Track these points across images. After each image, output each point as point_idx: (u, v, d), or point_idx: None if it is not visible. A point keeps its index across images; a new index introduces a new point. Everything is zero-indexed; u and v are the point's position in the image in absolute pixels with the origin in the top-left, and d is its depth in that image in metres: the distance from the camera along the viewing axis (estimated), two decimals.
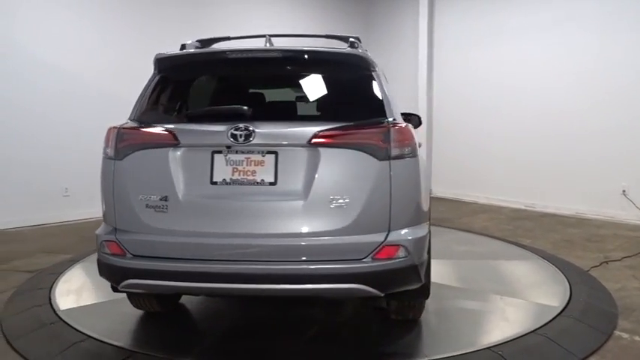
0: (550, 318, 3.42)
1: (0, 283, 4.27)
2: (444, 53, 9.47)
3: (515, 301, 3.83)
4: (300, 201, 2.59)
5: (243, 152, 2.67)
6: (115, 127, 2.86)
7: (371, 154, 2.60)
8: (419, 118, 5.25)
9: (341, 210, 2.57)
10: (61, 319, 3.45)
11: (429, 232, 2.93)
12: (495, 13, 8.60)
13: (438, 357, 2.89)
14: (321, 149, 2.61)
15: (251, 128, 2.64)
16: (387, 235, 2.59)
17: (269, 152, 2.66)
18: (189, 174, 2.70)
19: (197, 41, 3.42)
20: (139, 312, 3.63)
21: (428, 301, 3.69)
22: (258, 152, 2.66)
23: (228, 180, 2.67)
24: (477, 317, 3.58)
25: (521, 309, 3.68)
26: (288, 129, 2.71)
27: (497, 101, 8.58)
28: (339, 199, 2.57)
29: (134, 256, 2.70)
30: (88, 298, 3.88)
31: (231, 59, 2.93)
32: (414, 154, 2.72)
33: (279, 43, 3.30)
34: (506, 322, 3.48)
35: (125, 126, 2.88)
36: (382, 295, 2.63)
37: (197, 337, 3.28)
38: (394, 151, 2.63)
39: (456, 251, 5.47)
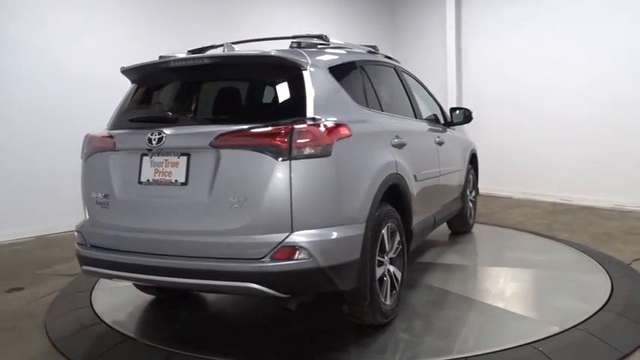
0: (591, 313, 3.33)
1: (43, 287, 4.41)
2: (473, 45, 9.32)
3: (554, 296, 3.75)
4: (204, 201, 2.72)
5: (163, 154, 2.88)
6: (87, 134, 3.29)
7: (270, 155, 2.61)
8: (469, 112, 5.13)
9: (240, 210, 2.62)
10: (102, 320, 3.54)
11: (365, 234, 2.86)
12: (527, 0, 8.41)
13: (476, 354, 2.85)
14: (222, 151, 2.70)
15: (164, 132, 2.85)
16: (287, 236, 2.58)
17: (183, 154, 2.83)
18: (123, 174, 3.01)
19: (188, 51, 3.56)
20: (179, 312, 3.75)
21: (460, 294, 3.63)
22: (174, 154, 2.85)
23: (150, 180, 2.90)
24: (513, 312, 3.51)
25: (560, 303, 3.60)
26: (195, 132, 2.88)
27: (531, 93, 8.39)
28: (238, 199, 2.63)
29: (91, 246, 3.09)
30: (126, 300, 3.96)
31: (174, 67, 3.11)
32: (324, 154, 2.67)
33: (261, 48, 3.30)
34: (545, 317, 3.40)
35: (93, 132, 3.27)
36: (283, 296, 2.66)
37: (237, 336, 3.32)
38: (296, 152, 2.60)
39: (491, 245, 5.41)
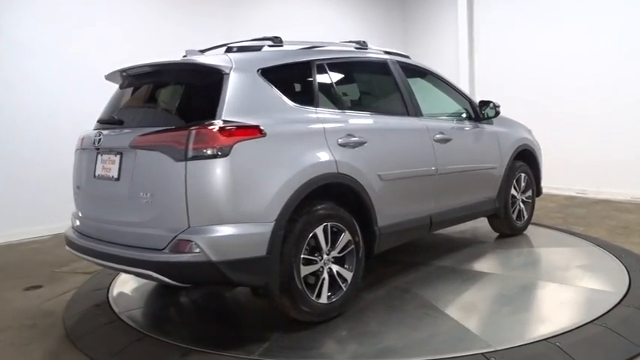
0: (609, 307, 3.30)
1: (61, 285, 4.47)
2: (486, 37, 9.23)
3: (570, 291, 3.72)
4: (125, 195, 3.08)
5: (106, 153, 3.27)
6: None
7: (169, 155, 2.85)
8: (494, 106, 4.89)
9: (148, 205, 2.94)
10: (119, 318, 3.57)
11: (274, 232, 2.91)
12: None
13: (492, 350, 2.83)
14: (138, 151, 3.03)
15: (102, 133, 3.32)
16: (183, 231, 2.80)
17: (118, 153, 3.19)
18: (87, 169, 3.47)
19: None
20: (196, 310, 3.79)
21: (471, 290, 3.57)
22: (114, 153, 3.22)
23: (99, 175, 3.33)
24: (531, 308, 3.50)
25: (577, 298, 3.57)
26: (122, 133, 3.24)
27: (544, 85, 8.30)
28: (146, 195, 2.94)
29: (74, 230, 3.54)
30: (144, 297, 4.01)
31: (131, 74, 3.55)
32: (221, 155, 2.80)
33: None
34: (562, 312, 3.39)
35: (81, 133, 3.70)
36: (181, 285, 2.95)
37: (254, 335, 3.34)
38: (192, 153, 2.79)
39: (507, 245, 5.38)
